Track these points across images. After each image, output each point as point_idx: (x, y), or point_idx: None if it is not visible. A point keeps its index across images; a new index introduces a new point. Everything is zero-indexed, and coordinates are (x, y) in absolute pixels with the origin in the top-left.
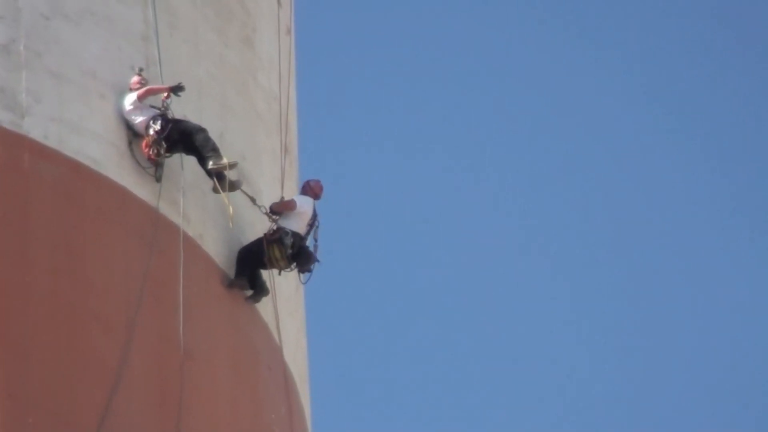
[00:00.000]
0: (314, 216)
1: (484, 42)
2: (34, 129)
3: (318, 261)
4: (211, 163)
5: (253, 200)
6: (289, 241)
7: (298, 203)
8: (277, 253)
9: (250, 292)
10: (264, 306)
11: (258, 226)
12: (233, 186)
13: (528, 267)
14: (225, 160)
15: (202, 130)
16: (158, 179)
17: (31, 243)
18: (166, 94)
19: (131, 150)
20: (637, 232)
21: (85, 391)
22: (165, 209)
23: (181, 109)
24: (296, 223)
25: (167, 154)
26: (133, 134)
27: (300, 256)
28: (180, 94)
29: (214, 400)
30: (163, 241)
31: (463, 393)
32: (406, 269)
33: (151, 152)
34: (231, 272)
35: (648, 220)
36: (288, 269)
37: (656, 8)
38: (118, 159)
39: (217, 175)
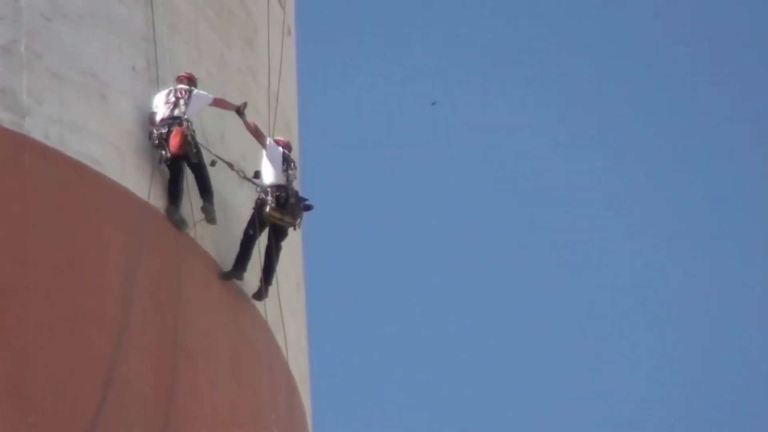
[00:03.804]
0: (287, 160)
1: (485, 42)
2: (35, 129)
3: (304, 200)
4: (206, 209)
5: (230, 166)
6: (272, 196)
7: (264, 155)
8: (273, 212)
9: (254, 290)
10: (264, 305)
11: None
12: (182, 224)
13: (529, 264)
14: (214, 216)
15: (206, 167)
16: (160, 162)
17: (31, 243)
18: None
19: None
20: (636, 231)
21: (85, 391)
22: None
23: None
24: (272, 175)
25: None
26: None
27: (288, 203)
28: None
29: (213, 400)
30: (163, 242)
31: (464, 393)
32: (407, 269)
33: (184, 144)
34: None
35: (645, 219)
36: (297, 221)
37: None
38: (119, 159)
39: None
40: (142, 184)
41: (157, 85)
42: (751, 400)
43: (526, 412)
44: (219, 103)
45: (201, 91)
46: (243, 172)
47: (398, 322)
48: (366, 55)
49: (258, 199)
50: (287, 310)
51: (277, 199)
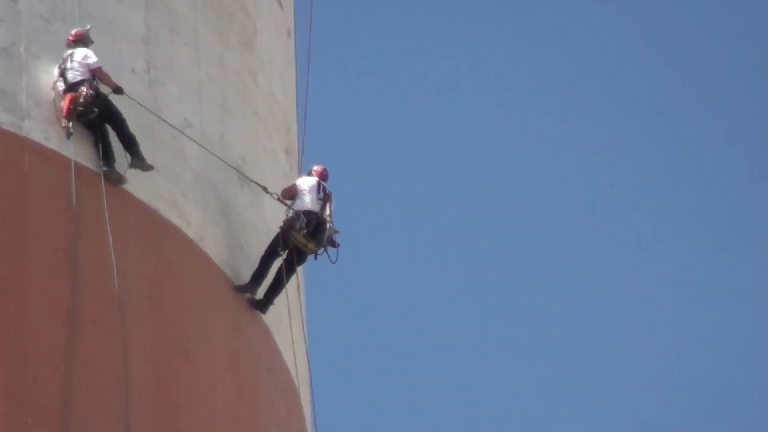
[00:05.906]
0: (323, 190)
1: (485, 44)
2: (35, 131)
3: (337, 231)
4: (135, 163)
5: (264, 189)
6: (301, 223)
7: (298, 183)
8: (299, 237)
9: (257, 299)
10: None
11: (259, 225)
12: (119, 179)
13: (528, 264)
14: (146, 163)
15: (125, 120)
16: (69, 136)
17: (30, 244)
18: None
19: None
20: (635, 232)
21: (84, 392)
22: (165, 210)
23: (181, 111)
24: (307, 202)
25: (86, 118)
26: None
27: (318, 231)
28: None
29: (213, 402)
30: (163, 243)
31: (464, 393)
32: (408, 270)
33: (75, 108)
34: (232, 275)
35: (643, 220)
36: (321, 249)
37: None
38: (119, 162)
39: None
40: (141, 184)
41: (156, 87)
42: (751, 401)
43: (526, 412)
44: (99, 73)
45: (86, 54)
46: (277, 195)
47: (398, 323)
48: (368, 56)
49: (286, 220)
50: (286, 311)
51: (306, 224)
